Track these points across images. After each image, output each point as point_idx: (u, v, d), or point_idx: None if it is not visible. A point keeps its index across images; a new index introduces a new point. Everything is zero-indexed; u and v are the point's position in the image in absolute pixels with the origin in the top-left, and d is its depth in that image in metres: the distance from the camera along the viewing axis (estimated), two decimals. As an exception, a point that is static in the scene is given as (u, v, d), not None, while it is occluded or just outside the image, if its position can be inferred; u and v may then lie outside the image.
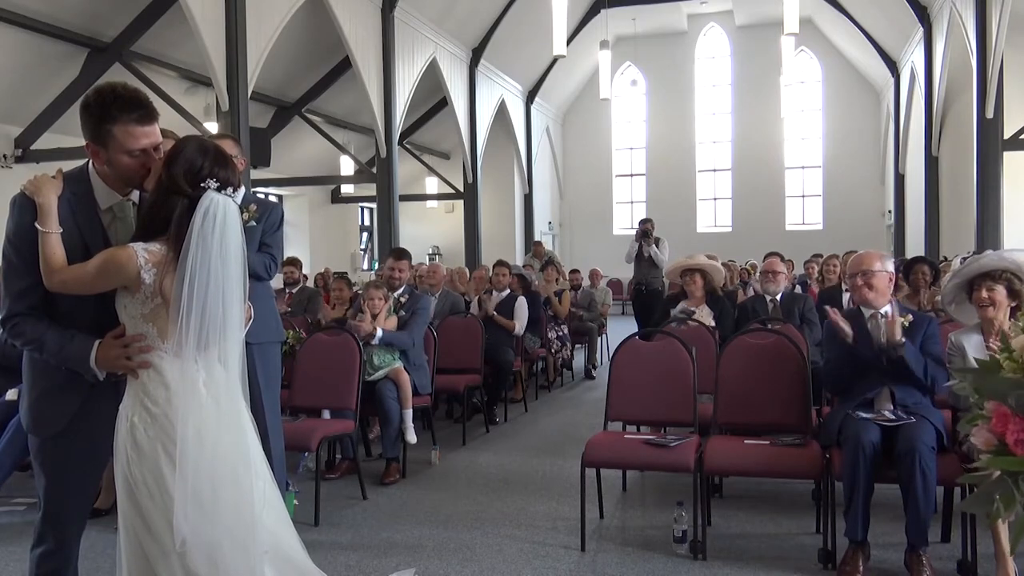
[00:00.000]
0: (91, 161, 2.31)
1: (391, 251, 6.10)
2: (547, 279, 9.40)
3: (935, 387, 3.55)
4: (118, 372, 2.21)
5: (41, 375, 2.31)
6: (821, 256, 9.94)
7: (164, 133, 4.10)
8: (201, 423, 2.13)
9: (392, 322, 5.37)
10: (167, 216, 2.19)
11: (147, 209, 2.25)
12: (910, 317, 3.69)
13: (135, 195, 2.38)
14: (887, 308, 3.72)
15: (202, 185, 2.18)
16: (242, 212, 3.92)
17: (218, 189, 2.20)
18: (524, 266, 10.34)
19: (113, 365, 2.19)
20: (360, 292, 6.28)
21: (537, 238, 17.05)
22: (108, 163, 2.25)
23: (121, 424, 2.14)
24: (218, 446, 2.14)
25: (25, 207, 2.23)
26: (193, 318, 2.13)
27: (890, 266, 3.78)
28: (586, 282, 10.94)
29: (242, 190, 4.04)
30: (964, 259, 4.32)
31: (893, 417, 3.41)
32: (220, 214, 2.19)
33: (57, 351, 2.22)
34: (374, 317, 5.27)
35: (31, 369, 2.34)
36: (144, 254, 2.14)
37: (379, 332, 5.20)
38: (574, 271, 10.99)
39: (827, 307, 3.83)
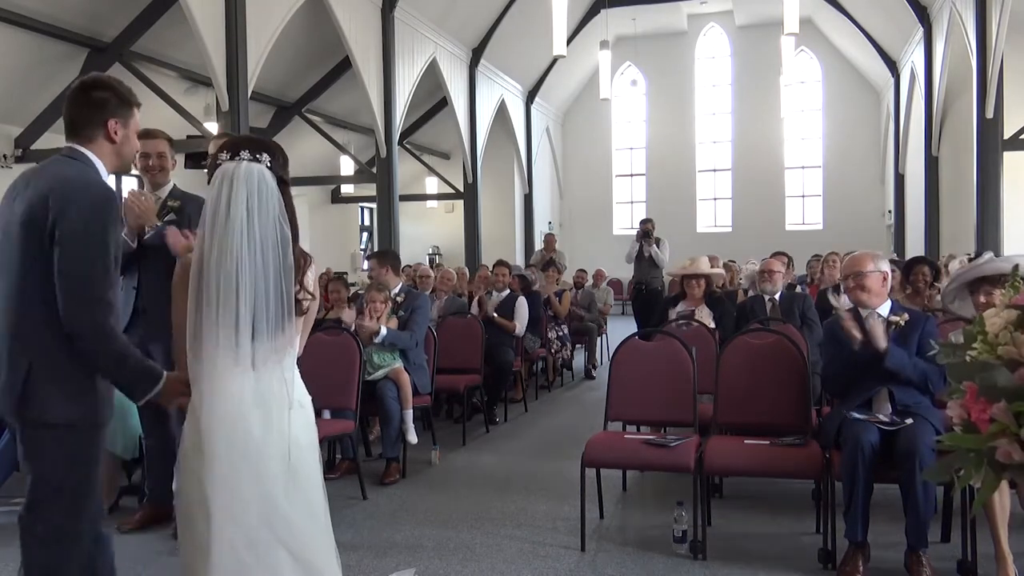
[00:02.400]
0: (89, 149, 2.38)
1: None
2: (548, 279, 9.40)
3: (932, 387, 3.55)
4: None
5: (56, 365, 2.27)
6: (820, 256, 9.95)
7: (155, 133, 4.13)
8: (228, 424, 2.12)
9: (393, 323, 5.39)
10: None
11: None
12: (906, 316, 3.70)
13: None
14: (886, 306, 3.73)
15: (217, 163, 2.17)
16: (165, 208, 3.94)
17: (229, 160, 2.15)
18: (528, 267, 10.35)
19: (168, 400, 2.33)
20: (360, 292, 6.29)
21: (547, 231, 16.98)
22: (125, 140, 2.42)
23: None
24: (246, 446, 2.13)
25: (113, 210, 2.27)
26: (210, 309, 2.09)
27: (884, 266, 3.78)
28: (589, 282, 10.93)
29: (170, 185, 4.09)
30: (971, 258, 4.34)
31: (888, 420, 3.41)
32: (227, 183, 2.11)
33: (130, 368, 2.25)
34: (376, 320, 5.28)
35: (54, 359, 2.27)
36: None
37: (384, 330, 5.21)
38: (581, 271, 11.00)
39: (838, 310, 3.81)
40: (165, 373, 2.31)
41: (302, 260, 2.26)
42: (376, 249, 15.18)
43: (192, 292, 2.12)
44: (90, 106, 2.40)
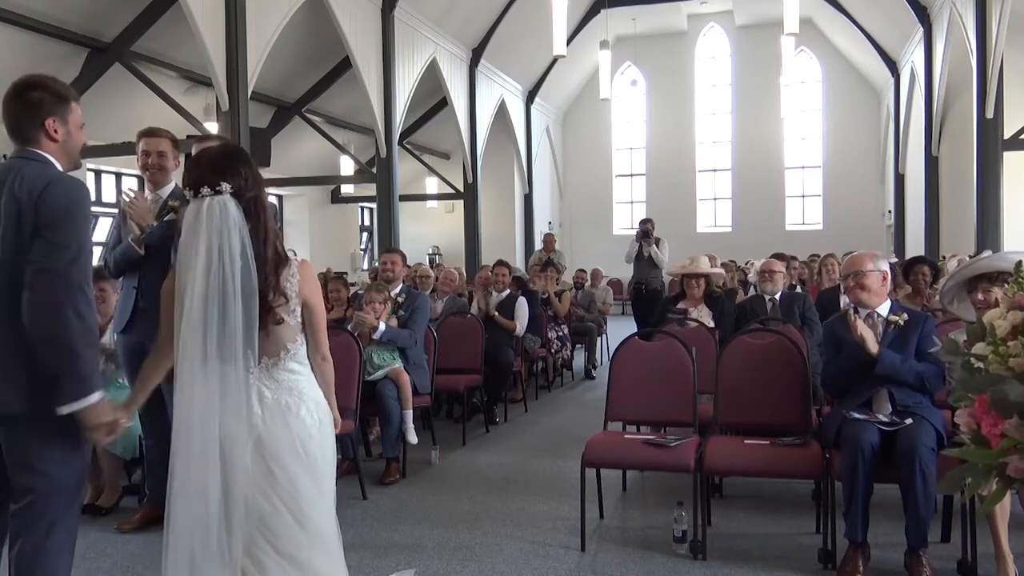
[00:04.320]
0: (42, 148, 2.39)
1: (385, 248, 6.18)
2: (547, 279, 9.40)
3: (929, 387, 3.55)
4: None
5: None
6: (818, 256, 10.00)
7: (158, 132, 4.13)
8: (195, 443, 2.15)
9: (393, 323, 5.39)
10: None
11: None
12: (905, 316, 3.70)
13: None
14: (886, 306, 3.73)
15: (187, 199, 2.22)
16: (165, 208, 3.95)
17: (194, 196, 2.18)
18: (531, 267, 10.36)
19: (89, 423, 2.31)
20: (360, 292, 6.30)
21: (547, 231, 16.97)
22: (67, 137, 2.43)
23: None
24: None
25: (84, 188, 2.37)
26: (187, 335, 2.13)
27: (883, 265, 3.78)
28: (589, 282, 10.94)
29: (171, 185, 4.12)
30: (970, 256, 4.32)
31: (888, 420, 3.41)
32: (193, 225, 2.15)
33: (71, 363, 2.25)
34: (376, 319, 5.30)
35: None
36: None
37: (382, 326, 5.22)
38: (581, 271, 10.99)
39: (848, 311, 3.79)
40: (101, 398, 2.30)
41: (277, 263, 2.27)
42: (376, 249, 15.21)
43: (177, 318, 2.15)
44: (25, 108, 2.38)
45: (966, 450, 1.70)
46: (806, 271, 9.58)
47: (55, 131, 2.39)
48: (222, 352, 2.13)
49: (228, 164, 2.22)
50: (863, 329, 3.54)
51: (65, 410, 2.25)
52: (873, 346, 3.52)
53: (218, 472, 2.11)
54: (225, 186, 2.17)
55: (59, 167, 2.41)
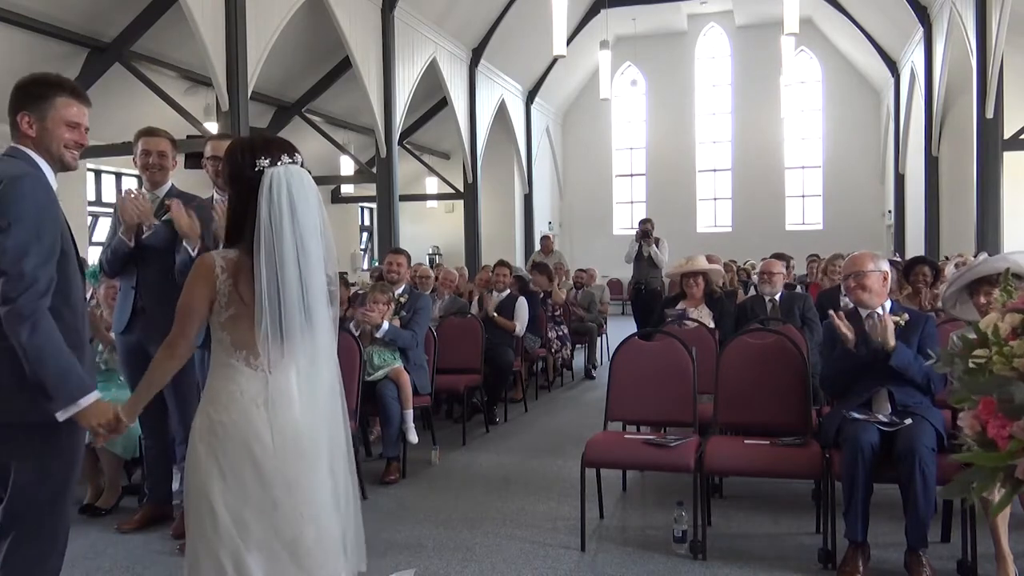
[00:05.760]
0: (22, 144, 2.37)
1: (390, 249, 6.17)
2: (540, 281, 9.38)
3: (933, 387, 3.56)
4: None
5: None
6: (818, 256, 10.02)
7: (158, 132, 4.11)
8: (260, 437, 2.09)
9: (396, 323, 5.41)
10: (240, 217, 2.15)
11: (227, 221, 2.24)
12: (906, 316, 3.70)
13: None
14: (886, 306, 3.73)
15: (256, 170, 2.11)
16: (162, 207, 3.91)
17: (271, 164, 2.12)
18: (532, 267, 10.35)
19: (89, 424, 2.24)
20: (360, 292, 6.30)
21: (546, 233, 16.97)
22: (43, 133, 2.36)
23: (192, 431, 2.15)
24: (276, 462, 2.10)
25: (41, 186, 2.27)
26: (278, 318, 2.06)
27: (884, 265, 3.79)
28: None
29: (168, 185, 4.06)
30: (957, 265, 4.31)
31: (887, 420, 3.41)
32: (284, 186, 2.10)
33: (57, 368, 2.17)
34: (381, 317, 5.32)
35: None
36: (221, 261, 2.12)
37: (385, 324, 5.24)
38: (581, 270, 11.01)
39: (830, 311, 3.81)
40: (97, 398, 2.23)
41: None
42: (376, 249, 15.21)
43: (272, 299, 2.07)
44: (8, 103, 2.37)
45: (974, 455, 1.65)
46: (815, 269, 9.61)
47: (29, 126, 2.35)
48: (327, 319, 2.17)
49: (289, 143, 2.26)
50: (877, 322, 3.55)
51: (62, 415, 2.18)
52: (891, 338, 3.53)
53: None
54: (298, 156, 2.20)
55: (40, 163, 2.35)
